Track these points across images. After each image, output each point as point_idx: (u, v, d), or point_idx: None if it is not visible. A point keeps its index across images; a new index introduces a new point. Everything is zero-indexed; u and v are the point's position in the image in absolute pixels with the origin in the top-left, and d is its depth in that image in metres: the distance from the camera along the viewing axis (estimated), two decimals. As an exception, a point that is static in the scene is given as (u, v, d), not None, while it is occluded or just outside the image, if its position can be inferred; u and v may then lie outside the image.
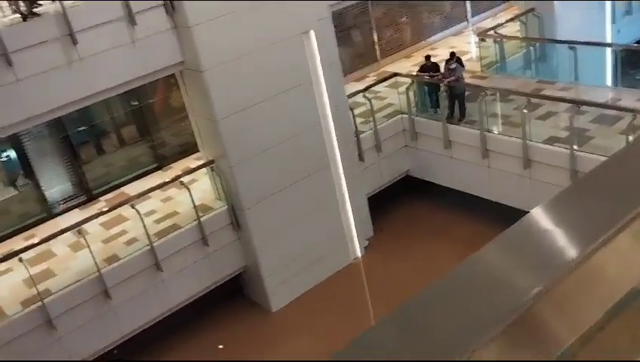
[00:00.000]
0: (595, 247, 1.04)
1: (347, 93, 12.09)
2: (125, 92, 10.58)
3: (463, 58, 13.17)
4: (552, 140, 10.84)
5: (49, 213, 11.62)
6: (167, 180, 11.12)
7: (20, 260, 9.31)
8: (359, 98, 12.65)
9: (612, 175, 1.26)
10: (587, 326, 1.06)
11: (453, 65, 12.28)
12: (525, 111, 10.96)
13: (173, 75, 10.66)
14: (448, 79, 12.15)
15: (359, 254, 12.36)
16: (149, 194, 10.92)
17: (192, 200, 10.51)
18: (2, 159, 11.33)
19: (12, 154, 11.38)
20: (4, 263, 9.59)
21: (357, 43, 15.70)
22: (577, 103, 10.72)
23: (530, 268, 1.08)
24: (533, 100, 11.58)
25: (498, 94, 12.42)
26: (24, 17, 8.64)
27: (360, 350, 0.98)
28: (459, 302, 1.05)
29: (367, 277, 12.15)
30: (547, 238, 1.11)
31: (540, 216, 1.19)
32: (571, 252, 1.05)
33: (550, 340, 1.03)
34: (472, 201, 12.23)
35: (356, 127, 12.24)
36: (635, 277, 1.16)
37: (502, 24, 15.14)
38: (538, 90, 12.51)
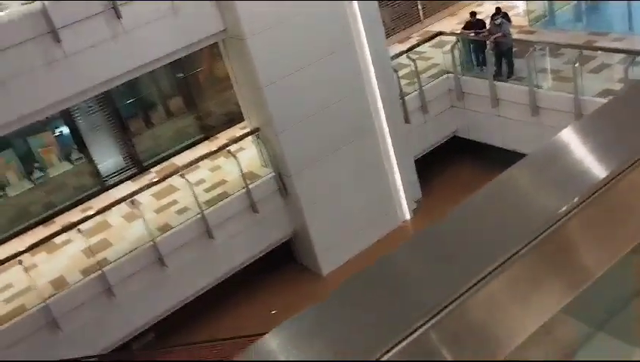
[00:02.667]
0: (625, 170, 0.99)
1: (391, 55, 11.89)
2: (170, 64, 10.69)
3: (510, 13, 12.76)
4: (606, 93, 10.45)
5: (102, 185, 11.96)
6: (214, 149, 11.27)
7: (79, 231, 9.64)
8: (403, 59, 12.43)
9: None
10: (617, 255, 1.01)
11: (499, 21, 11.91)
12: (577, 65, 10.57)
13: (216, 45, 10.70)
14: (494, 35, 11.79)
15: (408, 217, 12.30)
16: (198, 163, 11.09)
17: (240, 169, 10.62)
18: (56, 134, 11.67)
19: (65, 129, 11.70)
20: (64, 235, 9.96)
21: (399, 3, 15.36)
22: (632, 53, 10.27)
23: (559, 185, 1.03)
24: (585, 53, 11.14)
25: (547, 49, 12.01)
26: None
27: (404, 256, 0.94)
28: (487, 218, 1.00)
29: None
30: (577, 157, 1.05)
31: (570, 136, 1.12)
32: (600, 172, 1.00)
33: (579, 266, 0.99)
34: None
35: (401, 89, 12.07)
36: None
37: (550, -25, 14.55)
38: (590, 43, 12.04)
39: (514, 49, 12.07)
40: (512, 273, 0.89)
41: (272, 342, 0.85)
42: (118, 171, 12.16)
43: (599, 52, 11.40)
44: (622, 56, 10.68)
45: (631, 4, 12.30)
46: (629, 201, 1.04)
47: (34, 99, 8.55)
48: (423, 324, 0.81)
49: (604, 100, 10.21)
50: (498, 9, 12.27)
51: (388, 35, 12.50)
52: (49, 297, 9.24)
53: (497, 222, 1.00)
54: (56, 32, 8.36)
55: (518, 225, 0.97)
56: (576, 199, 0.97)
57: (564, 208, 0.96)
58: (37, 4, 8.31)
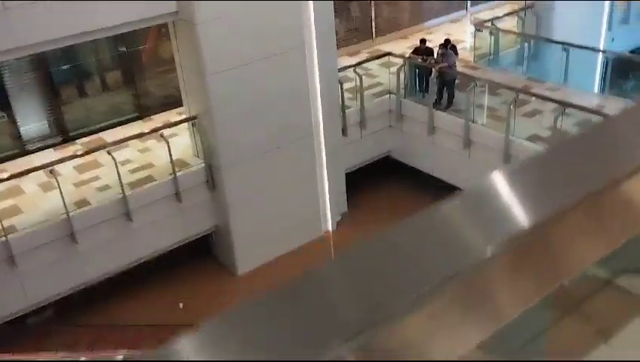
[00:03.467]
0: (545, 221, 1.02)
1: (339, 67, 11.99)
2: (114, 36, 10.33)
3: (458, 46, 13.13)
4: (534, 138, 10.92)
5: (22, 149, 11.41)
6: (146, 131, 10.97)
7: (-12, 193, 9.15)
8: (350, 73, 12.56)
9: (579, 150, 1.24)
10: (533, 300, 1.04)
11: (447, 52, 12.25)
12: (512, 107, 11.00)
13: (165, 25, 10.44)
14: (440, 65, 12.11)
15: (331, 228, 12.39)
16: (127, 142, 10.76)
17: (170, 155, 10.38)
18: (-22, 89, 11.06)
19: (-10, 85, 11.10)
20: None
21: (354, 17, 15.54)
22: (563, 105, 10.79)
23: (481, 229, 1.05)
24: (521, 96, 11.62)
25: (487, 86, 12.44)
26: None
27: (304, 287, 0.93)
28: (406, 252, 1.00)
29: (334, 252, 12.20)
30: (501, 203, 1.08)
31: (494, 182, 1.15)
32: (523, 221, 1.03)
33: (495, 310, 1.01)
34: (450, 189, 12.30)
35: (343, 102, 12.17)
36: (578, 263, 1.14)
37: (500, 17, 15.15)
38: (527, 87, 12.57)
39: (456, 81, 12.43)
40: (427, 307, 0.90)
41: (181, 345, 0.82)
42: (41, 137, 11.63)
43: (533, 98, 11.91)
44: (554, 105, 11.20)
45: (568, 57, 12.94)
46: (553, 248, 1.07)
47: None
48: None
49: (531, 144, 10.68)
50: (447, 40, 12.62)
51: (339, 46, 12.58)
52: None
53: (418, 254, 1.00)
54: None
55: (437, 261, 0.98)
56: (499, 241, 0.99)
57: (487, 248, 0.97)
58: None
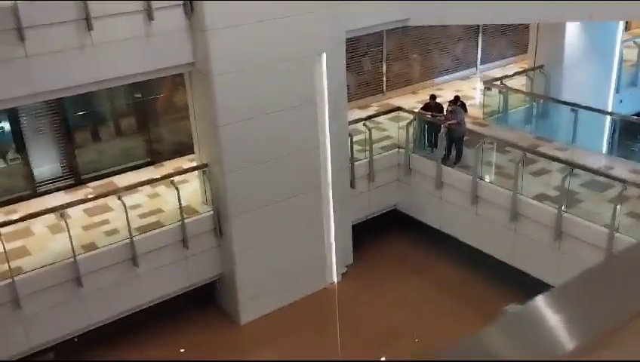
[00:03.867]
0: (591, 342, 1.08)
1: (349, 120, 12.17)
2: (131, 84, 10.57)
3: (467, 103, 13.34)
4: (541, 197, 10.96)
5: (34, 190, 11.55)
6: (157, 177, 11.11)
7: (-1, 235, 9.22)
8: (359, 126, 12.74)
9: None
10: None
11: (456, 109, 12.43)
12: (519, 165, 11.08)
13: (180, 75, 10.70)
14: (449, 122, 12.27)
15: (335, 280, 12.35)
16: (138, 188, 10.89)
17: (179, 201, 10.48)
18: (-5, 130, 11.29)
19: (6, 126, 11.33)
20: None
21: (365, 71, 15.85)
22: (571, 165, 10.86)
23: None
24: (529, 155, 11.72)
25: (496, 144, 12.56)
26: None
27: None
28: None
29: (339, 304, 12.13)
30: (550, 326, 1.13)
31: (547, 303, 1.21)
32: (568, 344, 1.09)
33: None
34: (456, 244, 12.29)
35: (352, 154, 12.31)
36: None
37: (509, 76, 15.39)
38: (535, 146, 12.67)
39: (465, 137, 12.56)
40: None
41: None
42: (53, 179, 11.79)
43: (541, 157, 12.00)
44: (562, 165, 11.28)
45: (577, 117, 13.08)
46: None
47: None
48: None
49: (539, 203, 10.70)
50: (457, 97, 12.83)
51: (349, 99, 12.80)
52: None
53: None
54: (22, 30, 8.18)
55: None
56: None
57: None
58: (8, 2, 8.16)
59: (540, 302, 1.19)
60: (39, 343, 9.66)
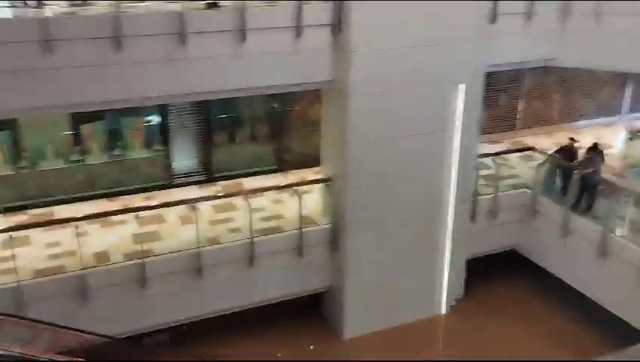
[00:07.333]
0: None
1: (478, 153, 12.00)
2: (269, 94, 11.13)
3: (606, 151, 12.66)
4: (679, 261, 10.16)
5: (170, 182, 12.45)
6: (283, 184, 11.58)
7: (137, 216, 10.03)
8: (488, 160, 12.50)
9: None
10: None
11: (594, 156, 11.85)
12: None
13: (317, 90, 11.11)
14: (586, 170, 11.70)
15: (443, 311, 12.15)
16: (264, 192, 11.40)
17: (300, 210, 10.84)
18: (145, 123, 12.29)
19: (156, 120, 12.32)
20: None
21: (500, 107, 15.53)
22: None
23: None
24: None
25: (632, 198, 11.81)
26: (208, 5, 9.43)
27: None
28: None
29: (442, 336, 11.92)
30: None
31: None
32: None
33: None
34: (576, 297, 11.66)
35: (477, 188, 12.10)
36: None
37: (657, 127, 14.44)
38: (678, 206, 11.75)
39: (600, 187, 11.93)
40: None
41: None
42: (188, 173, 12.65)
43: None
44: None
45: None
46: None
47: (152, 87, 9.21)
48: None
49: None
50: (595, 144, 12.23)
51: (481, 133, 12.61)
52: (88, 267, 9.58)
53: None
54: (185, 34, 8.95)
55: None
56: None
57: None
58: (176, 9, 9.00)
59: None
60: (155, 323, 10.34)
